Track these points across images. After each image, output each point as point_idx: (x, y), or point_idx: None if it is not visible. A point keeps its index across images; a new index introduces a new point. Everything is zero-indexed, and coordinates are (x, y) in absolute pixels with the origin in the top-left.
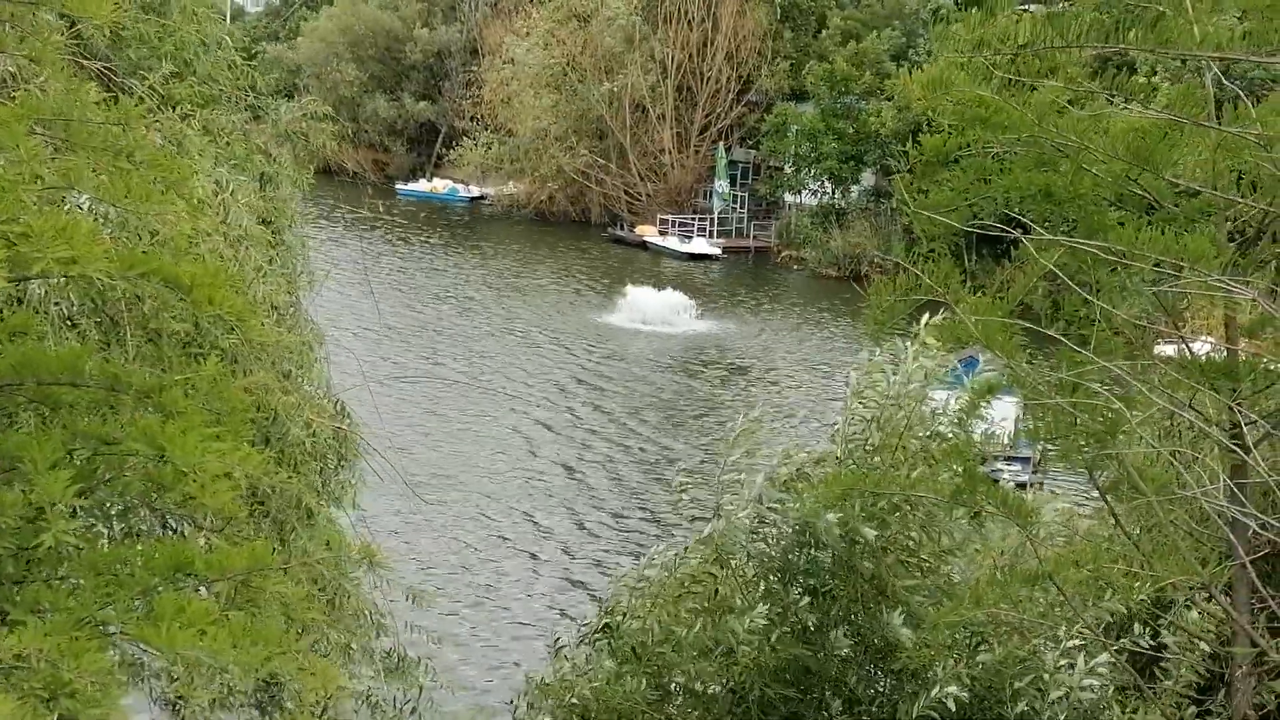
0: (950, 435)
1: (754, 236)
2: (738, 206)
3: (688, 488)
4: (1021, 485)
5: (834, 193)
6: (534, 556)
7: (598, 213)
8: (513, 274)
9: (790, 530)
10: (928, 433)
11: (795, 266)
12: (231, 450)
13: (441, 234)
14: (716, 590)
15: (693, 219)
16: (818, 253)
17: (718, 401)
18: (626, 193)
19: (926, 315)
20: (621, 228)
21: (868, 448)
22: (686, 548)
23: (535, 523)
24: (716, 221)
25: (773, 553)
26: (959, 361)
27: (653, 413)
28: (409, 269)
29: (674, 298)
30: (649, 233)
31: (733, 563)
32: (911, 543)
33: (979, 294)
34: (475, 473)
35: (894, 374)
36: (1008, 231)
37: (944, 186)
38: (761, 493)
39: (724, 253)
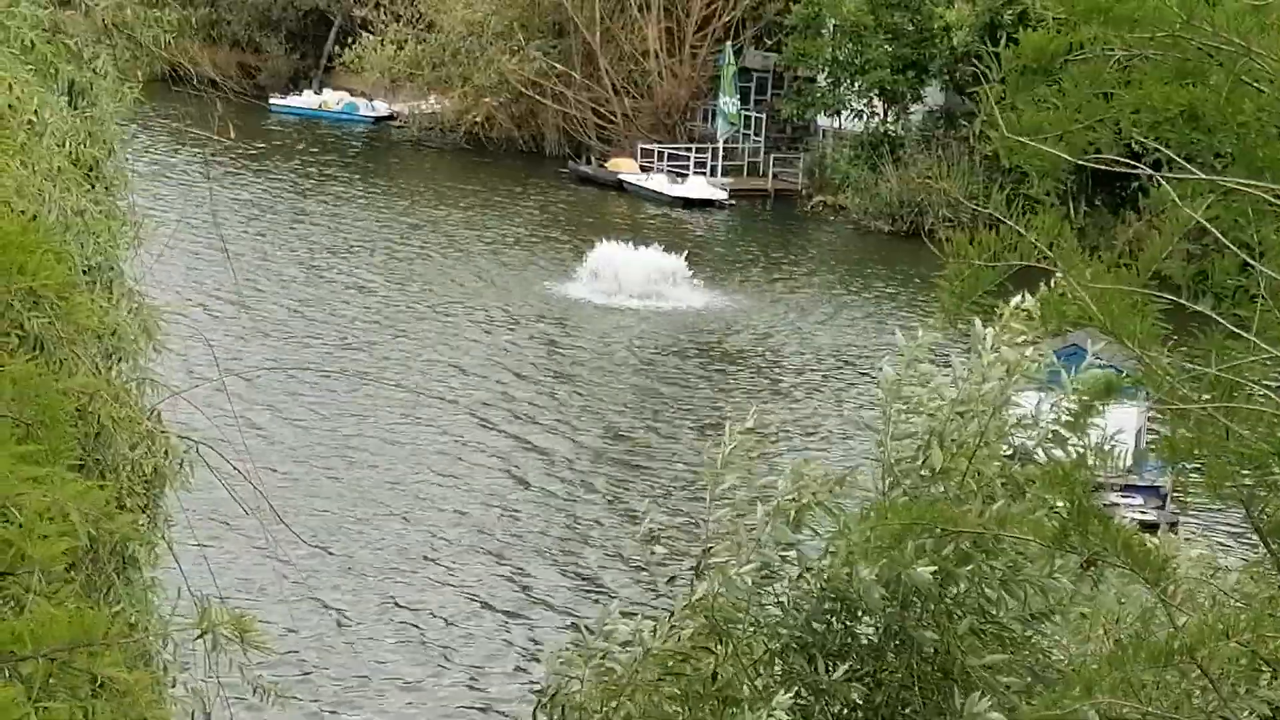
0: (1047, 455)
1: (774, 175)
2: (751, 133)
3: (658, 535)
4: (1147, 525)
5: (886, 115)
6: (447, 631)
7: (555, 140)
8: (434, 226)
9: (815, 587)
10: (1009, 450)
11: (831, 217)
12: (62, 481)
13: (333, 168)
14: (715, 673)
15: (688, 150)
16: (863, 198)
17: (718, 404)
18: (596, 112)
19: (1019, 295)
20: (588, 161)
21: (924, 471)
22: (670, 615)
23: (455, 580)
24: (721, 154)
25: (791, 619)
26: (1057, 353)
27: (628, 420)
28: (284, 220)
29: (660, 259)
30: (626, 169)
31: (735, 632)
32: (988, 604)
33: (1095, 257)
34: (373, 508)
35: (962, 368)
36: (1135, 168)
37: (1047, 105)
38: (768, 532)
39: (731, 198)
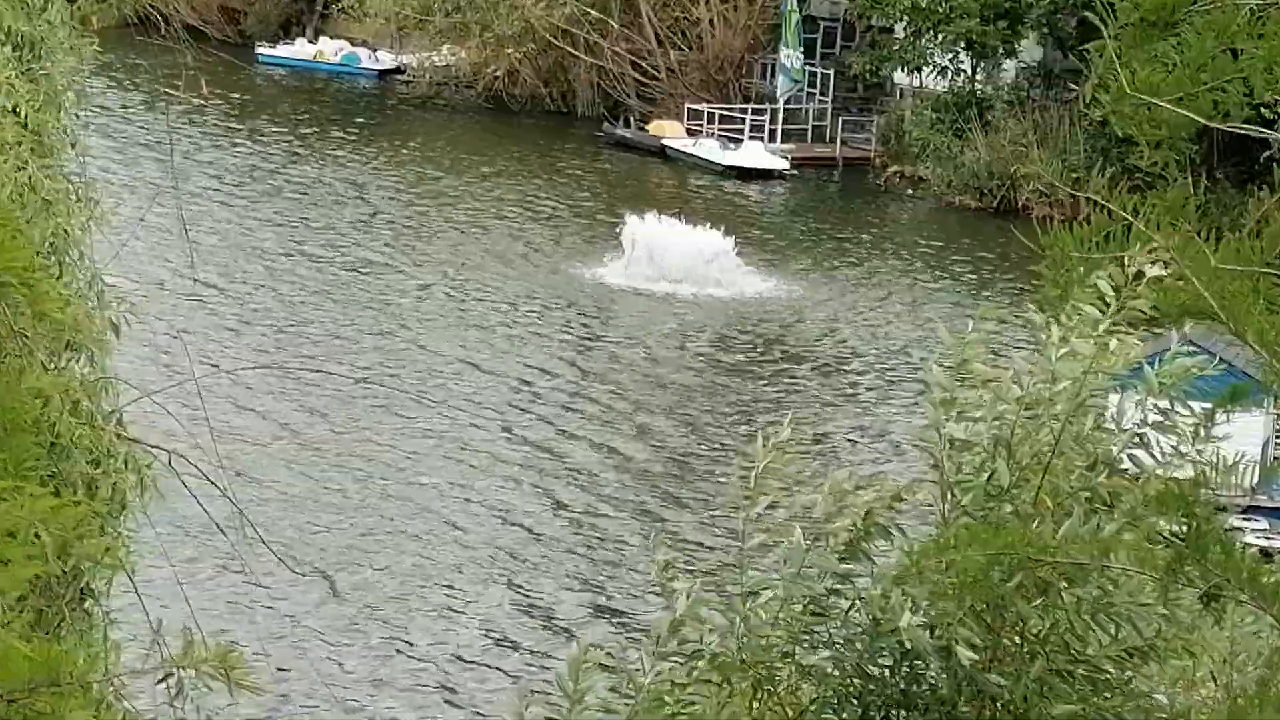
0: (1141, 465)
1: (843, 141)
2: (817, 92)
3: (674, 573)
4: (1275, 553)
5: (974, 72)
6: (460, 672)
7: (588, 99)
8: (448, 200)
9: (867, 620)
10: (1088, 461)
11: (909, 190)
12: (28, 496)
13: (330, 131)
14: None
15: (743, 112)
16: (946, 169)
17: (774, 409)
18: (636, 66)
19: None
20: (626, 124)
21: (991, 487)
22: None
23: (469, 612)
24: (782, 116)
25: (843, 662)
26: (1149, 360)
27: (667, 426)
28: (272, 191)
29: (709, 239)
30: (671, 132)
31: (779, 679)
32: (1076, 640)
33: (1217, 239)
34: (375, 527)
35: (1028, 365)
36: (1267, 134)
37: (1166, 63)
38: (812, 561)
39: (793, 167)
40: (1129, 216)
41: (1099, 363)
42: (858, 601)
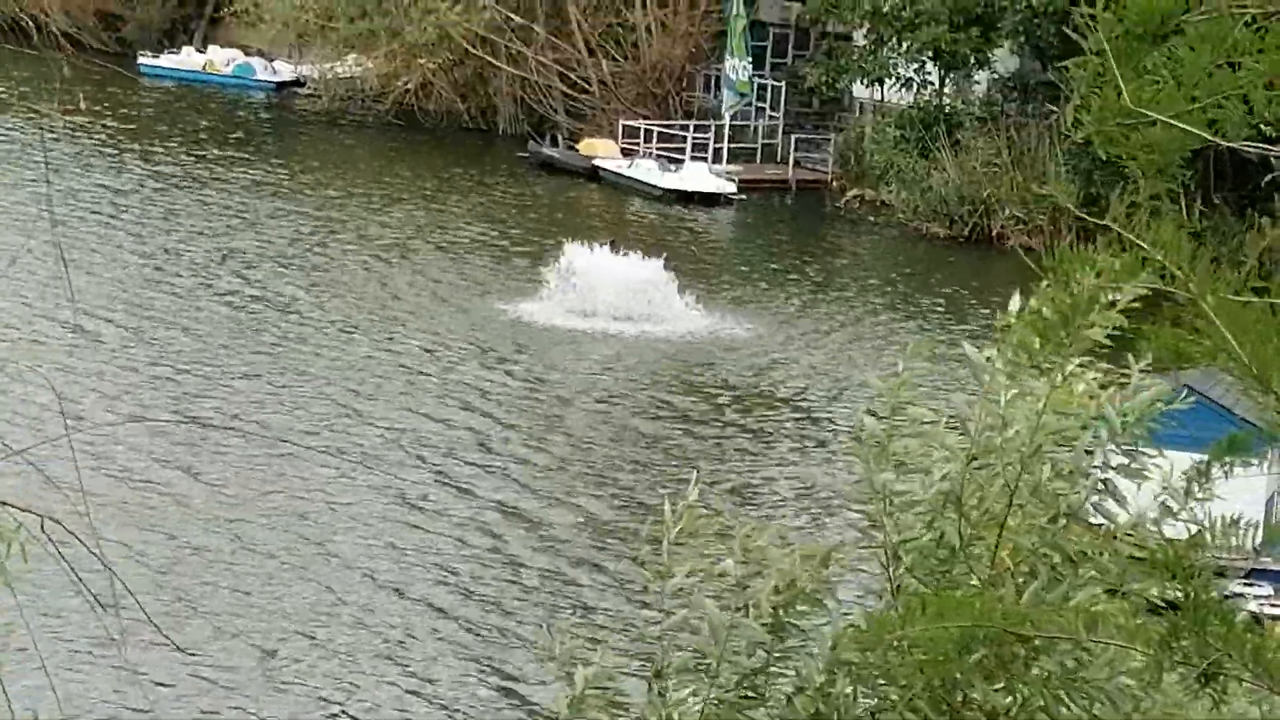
0: (1110, 517)
1: (796, 162)
2: (767, 107)
3: (572, 660)
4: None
5: (942, 85)
6: None
7: (511, 115)
8: (356, 227)
9: (810, 711)
10: (1048, 514)
11: (871, 217)
12: None
13: (222, 150)
14: None
15: (684, 130)
16: (911, 193)
17: (719, 462)
18: (564, 78)
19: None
20: (554, 142)
21: (941, 549)
22: None
23: (360, 704)
24: (728, 134)
25: None
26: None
27: (593, 483)
28: (158, 219)
29: (646, 272)
30: (604, 152)
31: None
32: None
33: (1216, 271)
34: (280, 601)
35: (973, 409)
36: (1272, 151)
37: (1158, 79)
38: (738, 635)
39: (741, 191)
40: (1145, 246)
41: (1057, 402)
42: (797, 696)
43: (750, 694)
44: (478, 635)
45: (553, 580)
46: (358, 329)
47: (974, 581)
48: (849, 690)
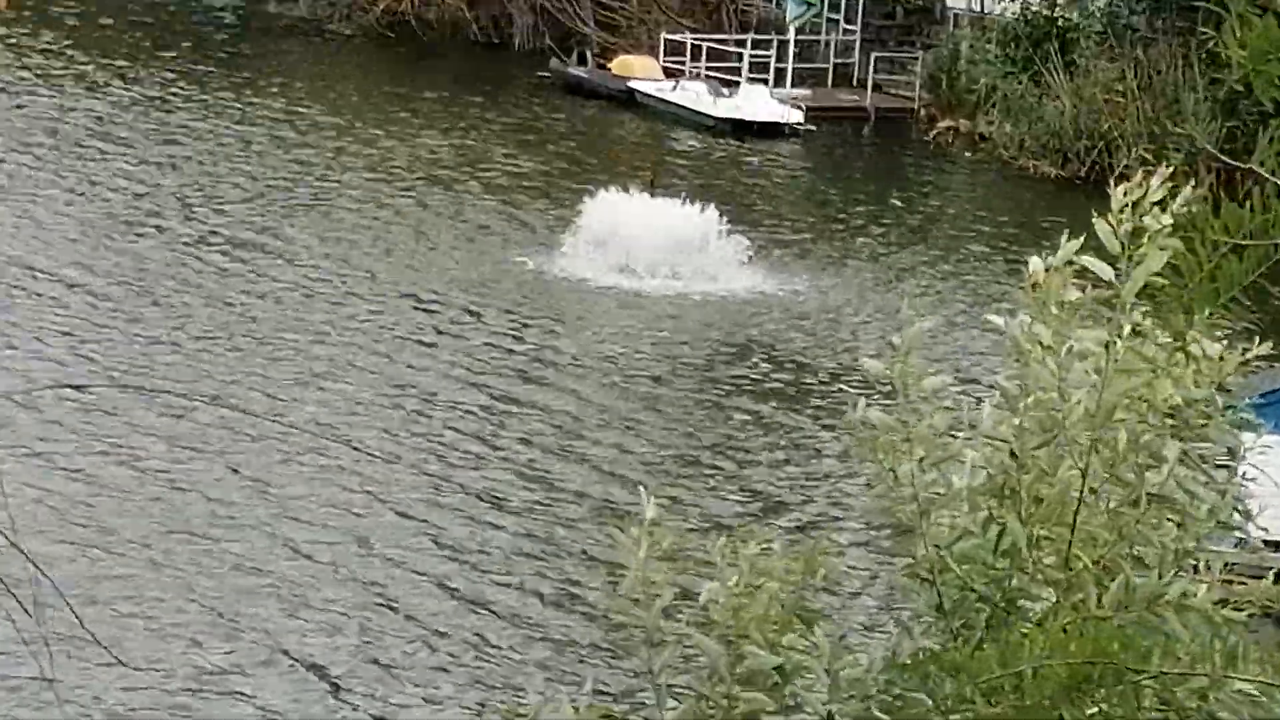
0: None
1: (876, 86)
2: (841, 20)
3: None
4: None
5: None
6: None
7: (528, 27)
8: (344, 163)
9: None
10: (1128, 496)
11: (968, 153)
12: None
13: (183, 67)
14: None
15: (740, 45)
16: (1018, 125)
17: (778, 449)
18: None
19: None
20: (582, 60)
21: (1003, 549)
22: None
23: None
24: (794, 52)
25: None
26: (1264, 398)
27: (631, 471)
28: (106, 148)
29: (693, 220)
30: (642, 72)
31: None
32: None
33: None
34: (233, 611)
35: (1010, 380)
36: None
37: None
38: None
39: (809, 119)
40: None
41: (1130, 364)
42: None
43: None
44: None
45: (542, 594)
46: (347, 283)
47: (1047, 594)
48: None
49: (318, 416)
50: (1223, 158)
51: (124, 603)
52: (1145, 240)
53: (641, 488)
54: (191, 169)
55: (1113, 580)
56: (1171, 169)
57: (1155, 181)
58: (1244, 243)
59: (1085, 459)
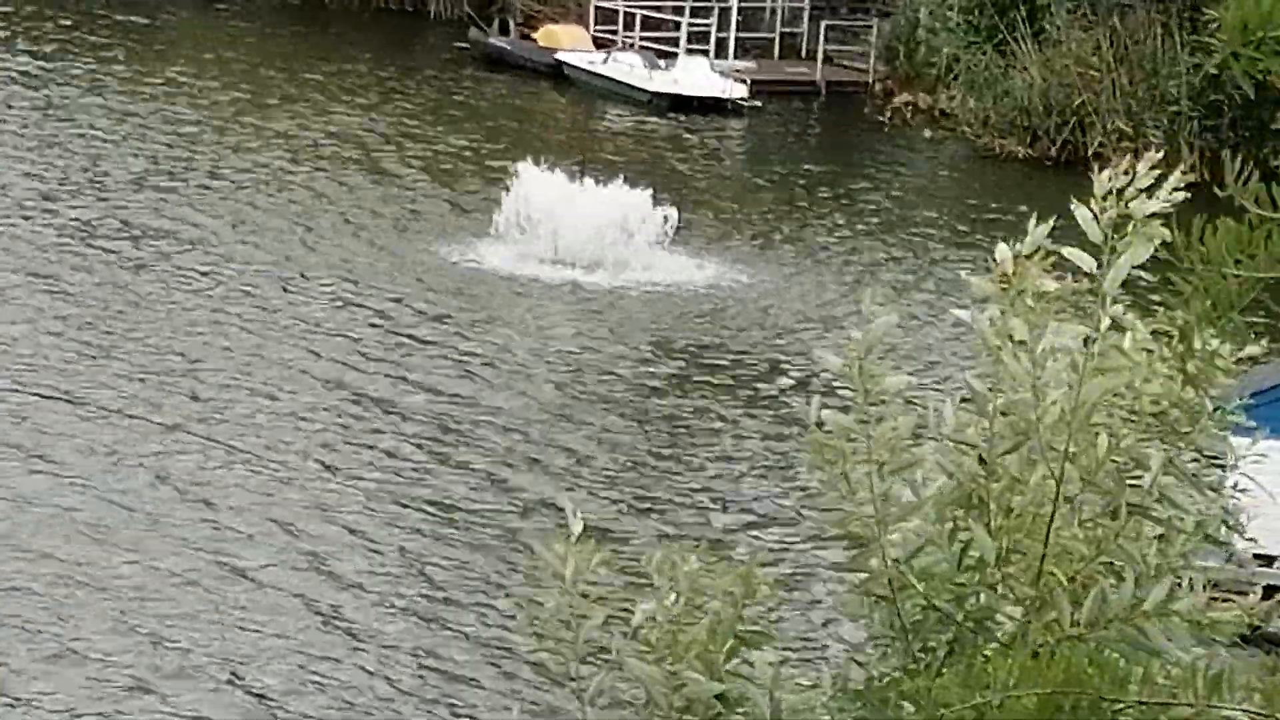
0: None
1: (827, 58)
2: None
3: None
4: None
5: None
6: None
7: None
8: (247, 141)
9: None
10: (1107, 505)
11: (927, 131)
12: None
13: (70, 35)
14: None
15: (678, 12)
16: (982, 100)
17: (719, 462)
18: None
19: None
20: (505, 29)
21: (960, 570)
22: None
23: None
24: (737, 19)
25: None
26: (1255, 397)
27: (556, 480)
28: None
29: (627, 204)
30: (570, 43)
31: None
32: None
33: None
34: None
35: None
36: None
37: None
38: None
39: (754, 94)
40: None
41: (1110, 362)
42: None
43: None
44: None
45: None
46: (244, 276)
47: (1016, 612)
48: None
49: (251, 406)
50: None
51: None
52: (1130, 229)
53: (567, 502)
54: (80, 148)
55: (1088, 595)
56: (1161, 154)
57: (1143, 167)
58: (1237, 274)
59: (1060, 465)
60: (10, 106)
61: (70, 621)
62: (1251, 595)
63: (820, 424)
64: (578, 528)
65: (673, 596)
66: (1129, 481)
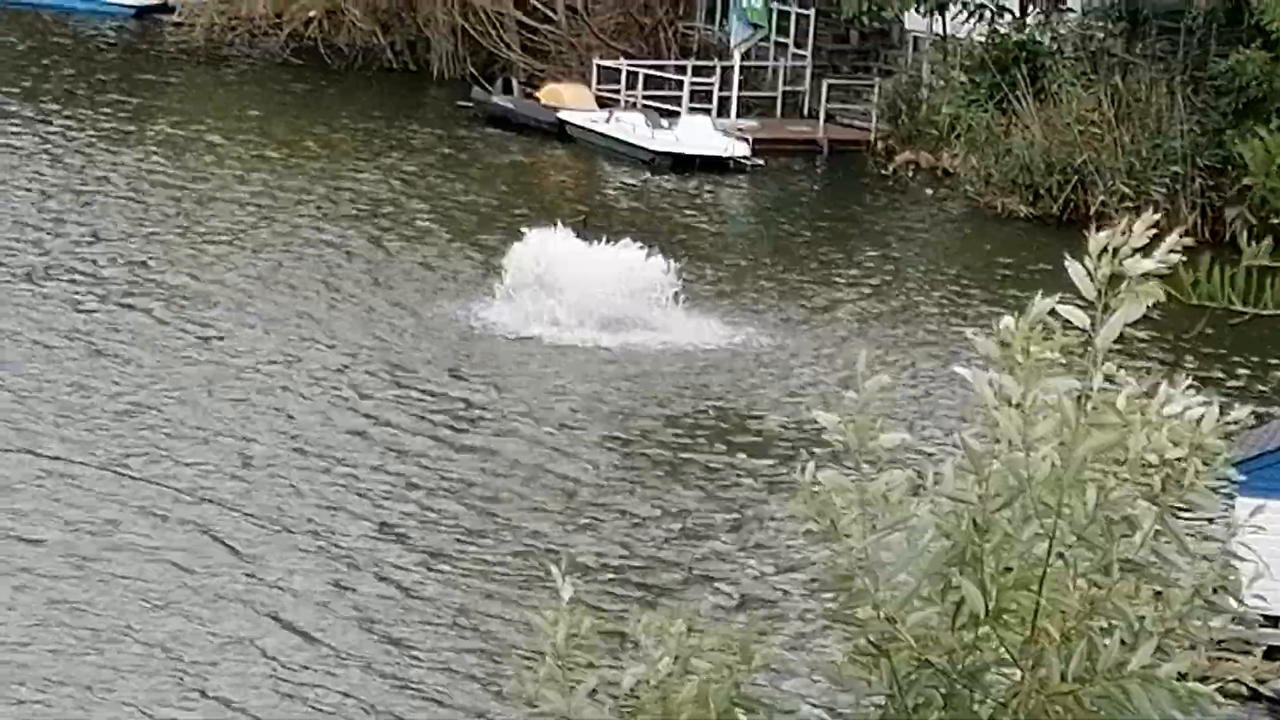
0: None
1: (830, 117)
2: (791, 44)
3: None
4: None
5: (1024, 12)
6: None
7: (448, 53)
8: (246, 203)
9: None
10: (1098, 562)
11: (929, 189)
12: None
13: (67, 95)
14: None
15: (681, 72)
16: (984, 159)
17: (732, 528)
18: (519, 3)
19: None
20: (508, 89)
21: (955, 626)
22: None
23: None
24: (739, 79)
25: None
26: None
27: (567, 544)
28: None
29: (632, 264)
30: (574, 102)
31: None
32: None
33: None
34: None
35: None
36: None
37: None
38: None
39: (757, 153)
40: None
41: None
42: None
43: None
44: None
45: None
46: (244, 339)
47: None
48: None
49: (227, 474)
50: (1212, 195)
51: None
52: (1123, 287)
53: (554, 566)
54: (80, 206)
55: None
56: (1159, 215)
57: (1139, 227)
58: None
59: (1054, 521)
60: (15, 169)
61: None
62: (1252, 656)
63: (815, 481)
64: (567, 593)
65: (663, 659)
66: (1123, 534)
